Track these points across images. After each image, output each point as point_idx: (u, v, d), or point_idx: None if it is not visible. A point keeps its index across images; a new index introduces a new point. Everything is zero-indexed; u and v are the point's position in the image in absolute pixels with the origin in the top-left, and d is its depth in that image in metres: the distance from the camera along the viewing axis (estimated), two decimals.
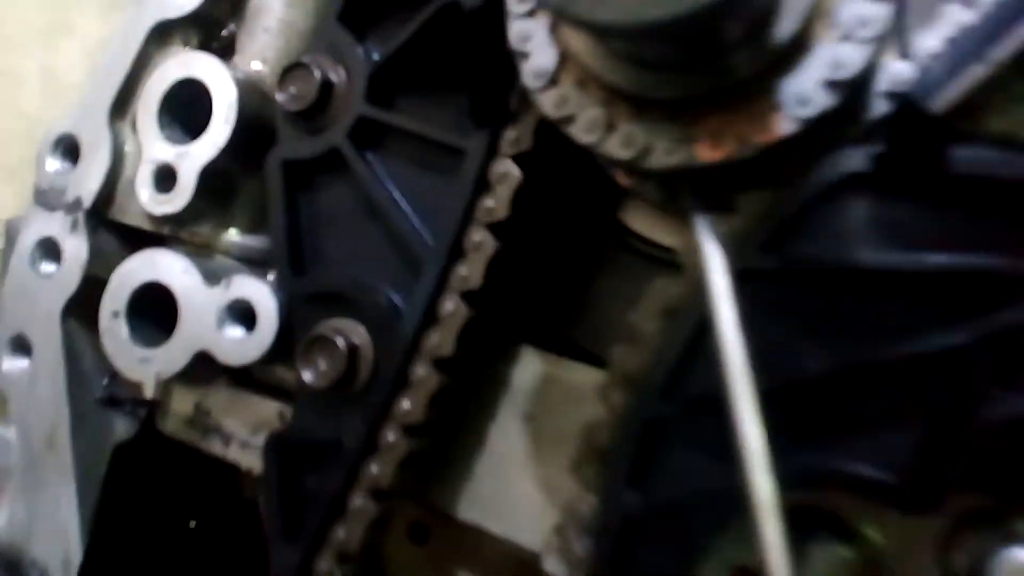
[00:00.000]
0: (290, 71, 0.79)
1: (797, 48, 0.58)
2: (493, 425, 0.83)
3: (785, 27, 0.57)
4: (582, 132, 0.63)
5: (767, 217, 0.64)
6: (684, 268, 0.68)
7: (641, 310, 0.69)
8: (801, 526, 0.68)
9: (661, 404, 0.66)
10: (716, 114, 0.60)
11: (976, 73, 0.62)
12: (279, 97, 0.79)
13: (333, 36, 0.79)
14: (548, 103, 0.64)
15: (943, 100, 0.63)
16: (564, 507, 0.70)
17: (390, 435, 0.74)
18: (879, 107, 0.67)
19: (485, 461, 0.83)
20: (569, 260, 0.86)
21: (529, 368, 0.83)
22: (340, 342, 0.74)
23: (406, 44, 0.74)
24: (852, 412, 0.62)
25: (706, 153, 0.60)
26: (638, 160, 0.62)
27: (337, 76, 0.79)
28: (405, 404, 0.74)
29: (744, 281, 0.64)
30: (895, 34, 0.68)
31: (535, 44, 0.65)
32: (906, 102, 0.64)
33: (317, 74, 0.77)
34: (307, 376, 0.75)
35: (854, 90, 0.59)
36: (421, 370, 0.74)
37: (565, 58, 0.64)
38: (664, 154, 0.61)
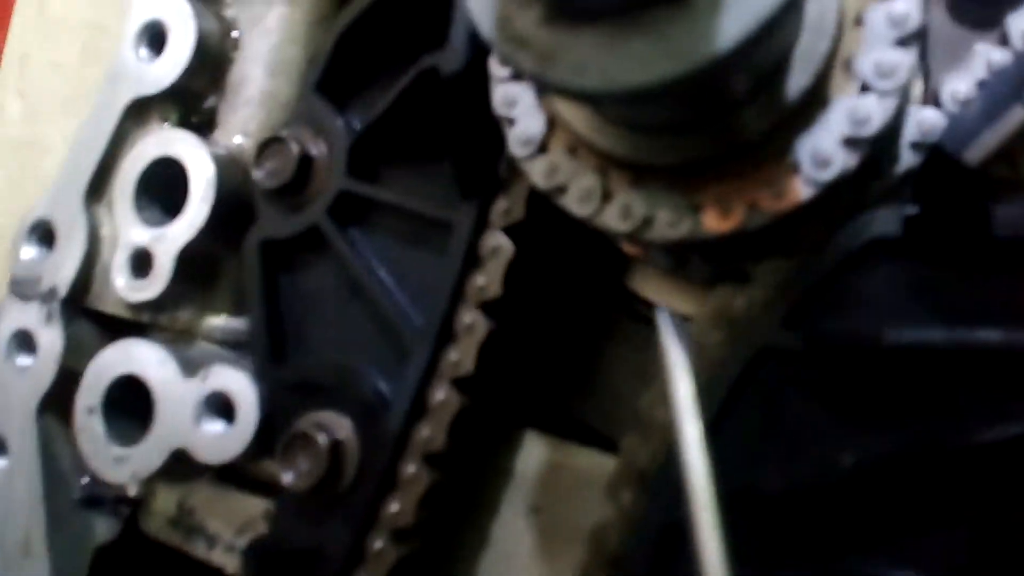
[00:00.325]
0: (266, 146, 0.74)
1: (813, 103, 0.52)
2: (497, 520, 0.76)
3: (797, 80, 0.51)
4: (575, 203, 0.57)
5: (787, 289, 0.57)
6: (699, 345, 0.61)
7: (651, 394, 0.62)
8: None
9: (679, 505, 0.59)
10: (723, 179, 0.53)
11: (1014, 118, 0.55)
12: (255, 174, 0.74)
13: (312, 107, 0.74)
14: (537, 172, 0.58)
15: (979, 150, 0.57)
16: None
17: (377, 541, 0.67)
18: (907, 160, 0.60)
19: (490, 560, 0.75)
20: (574, 332, 0.80)
21: (533, 455, 0.76)
22: (321, 439, 0.68)
23: (386, 113, 0.69)
24: (894, 511, 0.54)
25: (714, 223, 0.54)
26: (638, 233, 0.56)
27: (317, 149, 0.74)
28: (393, 506, 0.67)
29: (764, 361, 0.57)
30: (920, 78, 0.62)
31: (521, 109, 0.59)
32: (937, 153, 0.58)
33: (294, 148, 0.72)
34: (287, 478, 0.69)
35: (879, 145, 0.53)
36: (410, 467, 0.67)
37: (554, 123, 0.58)
38: (667, 226, 0.55)
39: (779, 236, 0.58)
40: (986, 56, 0.60)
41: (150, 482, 0.82)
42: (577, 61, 0.42)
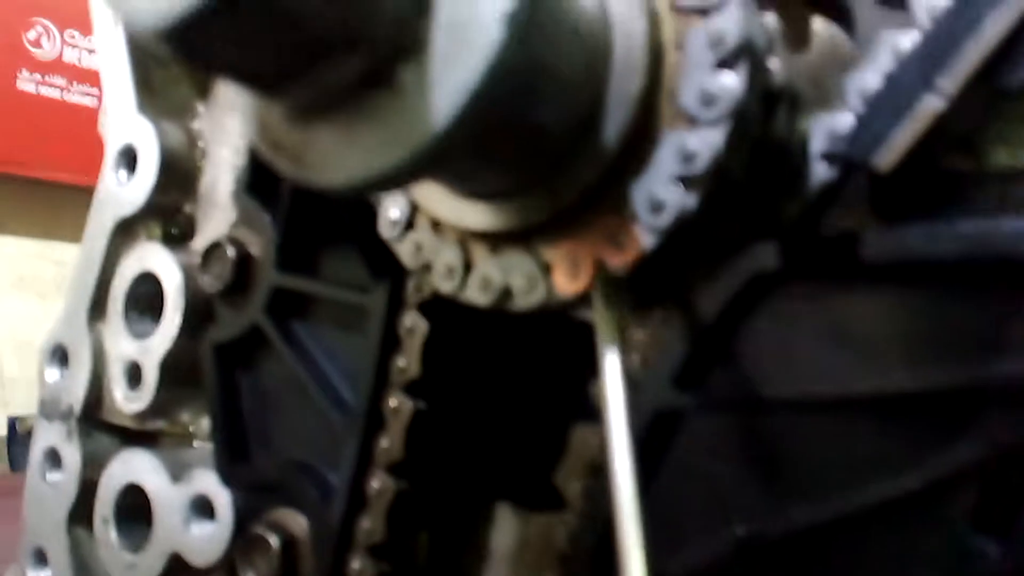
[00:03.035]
0: (209, 251, 0.76)
1: (642, 141, 0.48)
2: None
3: (613, 123, 0.47)
4: (441, 280, 0.55)
5: (675, 342, 0.52)
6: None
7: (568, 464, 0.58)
8: None
9: None
10: (571, 236, 0.50)
11: (927, 108, 0.48)
12: (201, 280, 0.76)
13: (245, 208, 0.76)
14: (405, 252, 0.57)
15: (890, 153, 0.50)
16: None
17: None
18: (820, 173, 0.54)
19: None
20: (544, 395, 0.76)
21: (506, 531, 0.72)
22: (273, 541, 0.68)
23: (292, 205, 0.69)
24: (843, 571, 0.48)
25: (565, 284, 0.50)
26: (500, 304, 0.53)
27: (257, 248, 0.75)
28: None
29: (664, 426, 0.52)
30: (835, 79, 0.56)
31: (385, 193, 0.58)
32: (848, 162, 0.51)
33: (231, 251, 0.74)
34: None
35: (726, 178, 0.47)
36: (356, 563, 0.66)
37: (415, 203, 0.56)
38: (524, 294, 0.52)
39: (668, 281, 0.53)
40: (892, 44, 0.53)
41: None
42: (320, 159, 0.40)
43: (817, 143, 0.54)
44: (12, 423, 4.13)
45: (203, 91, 0.94)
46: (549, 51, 0.42)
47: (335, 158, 0.40)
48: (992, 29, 0.45)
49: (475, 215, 0.53)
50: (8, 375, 4.37)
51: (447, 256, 0.55)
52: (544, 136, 0.46)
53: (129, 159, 0.90)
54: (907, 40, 0.51)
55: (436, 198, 0.54)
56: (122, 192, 0.89)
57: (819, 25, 0.61)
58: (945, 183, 0.50)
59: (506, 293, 0.52)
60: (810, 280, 0.49)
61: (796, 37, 0.59)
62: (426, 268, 0.56)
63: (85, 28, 4.23)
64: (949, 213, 0.46)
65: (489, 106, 0.37)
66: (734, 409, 0.50)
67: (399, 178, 0.39)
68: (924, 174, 0.50)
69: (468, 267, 0.54)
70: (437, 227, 0.55)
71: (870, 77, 0.52)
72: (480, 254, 0.54)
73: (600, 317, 0.48)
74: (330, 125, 0.40)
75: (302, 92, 0.38)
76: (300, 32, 0.35)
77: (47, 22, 4.40)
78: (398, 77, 0.38)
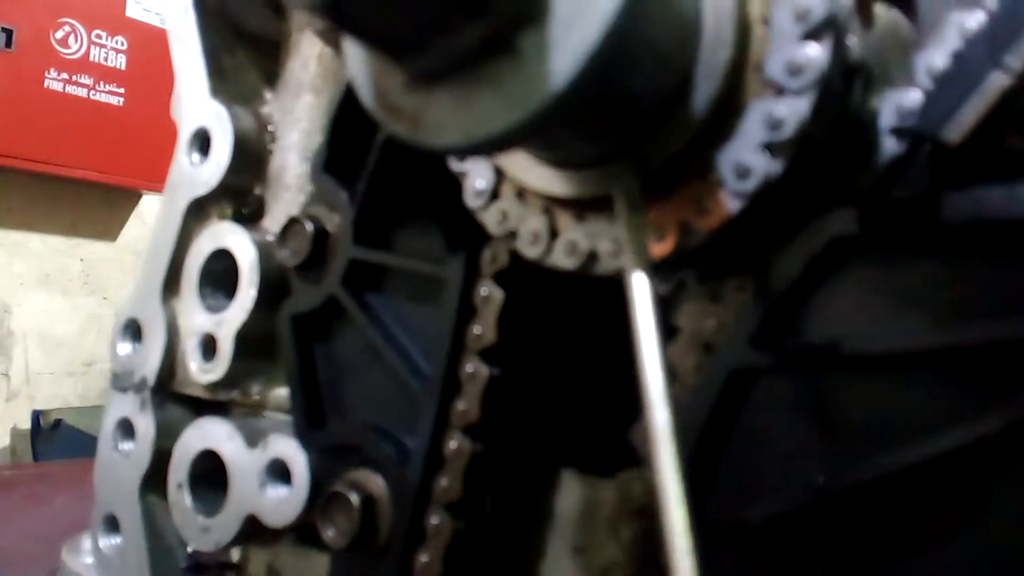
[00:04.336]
0: (288, 227, 0.80)
1: (730, 113, 0.51)
2: (543, 564, 0.76)
3: (703, 92, 0.50)
4: (526, 246, 0.58)
5: (753, 305, 0.55)
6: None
7: (642, 427, 0.61)
8: None
9: None
10: (657, 203, 0.53)
11: (995, 84, 0.51)
12: (280, 253, 0.80)
13: (322, 186, 0.79)
14: (490, 220, 0.60)
15: (959, 126, 0.52)
16: None
17: None
18: (889, 148, 0.57)
19: None
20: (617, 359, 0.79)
21: (572, 495, 0.75)
22: (354, 498, 0.71)
23: (371, 181, 0.73)
24: (891, 528, 0.50)
25: (651, 248, 0.53)
26: (586, 268, 0.56)
27: (332, 224, 0.78)
28: (423, 558, 0.69)
29: (737, 384, 0.55)
30: (901, 58, 0.58)
31: (471, 163, 0.61)
32: (919, 137, 0.54)
33: (309, 227, 0.78)
34: (328, 535, 0.72)
35: (809, 147, 0.50)
36: (435, 518, 0.69)
37: (501, 172, 0.60)
38: (610, 258, 0.55)
39: (749, 248, 0.56)
40: (959, 24, 0.56)
41: (231, 547, 0.88)
42: (438, 122, 0.43)
43: (886, 118, 0.57)
44: (36, 416, 4.19)
45: (270, 78, 0.98)
46: (649, 23, 0.45)
47: (453, 121, 0.43)
48: None
49: (561, 184, 0.56)
50: (33, 369, 4.43)
51: (533, 223, 0.58)
52: (637, 105, 0.49)
53: (202, 142, 0.93)
54: (973, 20, 0.54)
55: (522, 168, 0.58)
56: (196, 173, 0.93)
57: (880, 9, 0.64)
58: (1005, 160, 0.52)
59: (592, 257, 0.55)
60: (886, 244, 0.51)
61: (862, 19, 0.61)
62: (511, 235, 0.59)
63: (112, 28, 4.29)
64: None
65: (602, 73, 0.40)
66: (810, 367, 0.53)
67: (514, 139, 0.42)
68: (987, 152, 0.52)
69: (554, 233, 0.57)
70: (522, 196, 0.59)
71: (938, 56, 0.55)
72: (565, 221, 0.57)
73: (626, 234, 0.49)
74: (449, 90, 0.43)
75: (428, 58, 0.42)
76: (436, 1, 0.38)
77: (75, 22, 4.47)
78: (518, 43, 0.41)
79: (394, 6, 0.38)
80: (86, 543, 1.08)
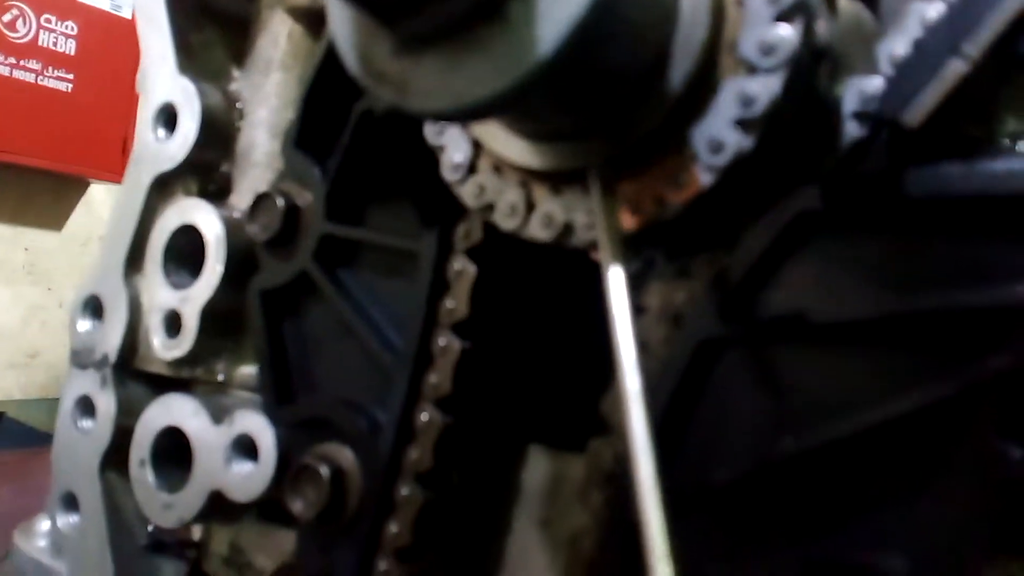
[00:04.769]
0: (257, 203, 0.80)
1: (704, 91, 0.52)
2: (510, 536, 0.77)
3: (679, 69, 0.52)
4: (503, 218, 0.59)
5: (720, 279, 0.57)
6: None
7: (612, 396, 0.63)
8: None
9: None
10: (631, 177, 0.54)
11: (953, 71, 0.53)
12: (250, 229, 0.80)
13: (293, 162, 0.79)
14: (467, 194, 0.61)
15: (918, 111, 0.54)
16: None
17: (382, 563, 0.70)
18: (852, 130, 0.59)
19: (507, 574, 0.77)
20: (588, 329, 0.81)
21: (538, 469, 0.77)
22: (323, 470, 0.72)
23: (345, 156, 0.73)
24: (846, 491, 0.53)
25: (626, 221, 0.55)
26: (561, 240, 0.57)
27: (303, 200, 0.79)
28: (393, 528, 0.70)
29: (705, 354, 0.57)
30: (864, 46, 0.61)
31: (449, 137, 0.62)
32: (879, 120, 0.56)
33: (280, 202, 0.78)
34: (296, 507, 0.73)
35: (779, 125, 0.52)
36: (404, 489, 0.70)
37: (479, 146, 0.61)
38: (586, 229, 0.56)
39: (719, 224, 0.58)
40: (920, 13, 0.58)
41: (195, 524, 0.88)
42: (425, 87, 0.44)
43: (850, 103, 0.60)
44: None
45: (238, 56, 0.97)
46: (630, 1, 0.47)
47: (440, 86, 0.44)
48: (1013, 0, 0.50)
49: (538, 157, 0.57)
50: None
51: (510, 196, 0.59)
52: (615, 79, 0.51)
53: (168, 117, 0.93)
54: (933, 11, 0.57)
55: (500, 141, 0.59)
56: (161, 149, 0.92)
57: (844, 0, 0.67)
58: (961, 145, 0.55)
59: (568, 229, 0.57)
60: (848, 220, 0.54)
61: (828, 6, 0.64)
62: (489, 208, 0.60)
63: (62, 12, 4.19)
64: None
65: (585, 43, 0.41)
66: (775, 337, 0.55)
67: (501, 105, 0.44)
68: (944, 135, 0.55)
69: (530, 206, 0.58)
70: (499, 169, 0.60)
71: (899, 44, 0.57)
72: (542, 194, 0.58)
73: (601, 223, 0.51)
74: (437, 55, 0.44)
75: (418, 22, 0.42)
76: None
77: (23, 5, 4.36)
78: (507, 10, 0.42)
79: None
80: (39, 526, 1.07)
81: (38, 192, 4.31)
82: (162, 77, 0.93)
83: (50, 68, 4.29)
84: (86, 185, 4.47)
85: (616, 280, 0.48)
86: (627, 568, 0.59)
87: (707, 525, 0.57)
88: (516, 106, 0.46)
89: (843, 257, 0.54)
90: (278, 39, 0.92)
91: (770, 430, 0.55)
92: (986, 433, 0.47)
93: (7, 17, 4.27)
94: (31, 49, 4.27)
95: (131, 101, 4.54)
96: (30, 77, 4.22)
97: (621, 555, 0.59)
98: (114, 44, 4.35)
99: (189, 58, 0.95)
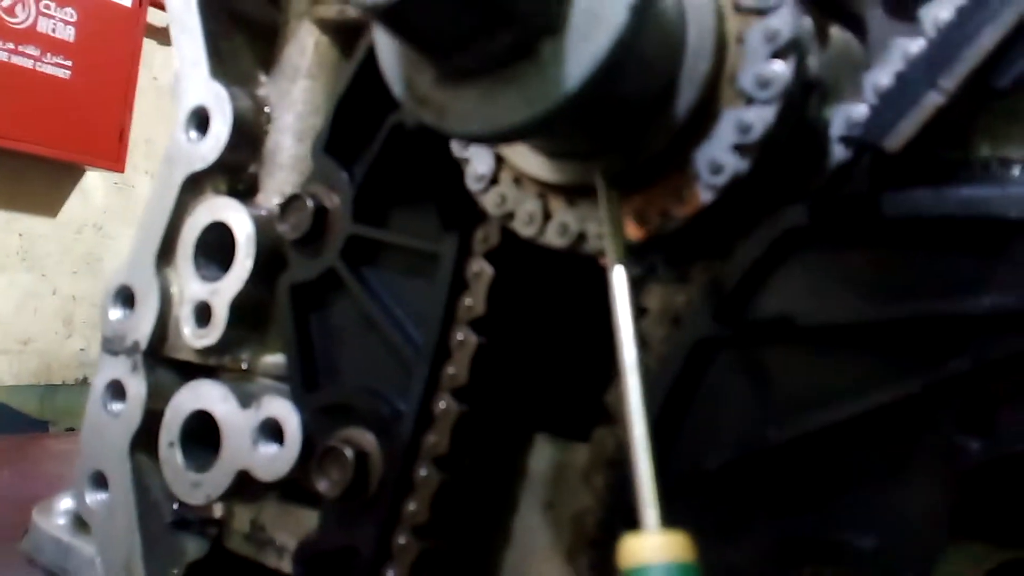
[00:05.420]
0: (288, 203, 0.86)
1: (707, 117, 0.59)
2: (517, 518, 0.83)
3: (684, 98, 0.58)
4: (522, 226, 0.66)
5: (716, 285, 0.64)
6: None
7: (617, 388, 0.69)
8: None
9: None
10: (640, 192, 0.61)
11: (930, 103, 0.60)
12: (280, 227, 0.86)
13: (323, 166, 0.85)
14: (489, 203, 0.67)
15: (898, 137, 0.61)
16: None
17: (401, 538, 0.76)
18: (838, 154, 0.66)
19: (512, 555, 0.83)
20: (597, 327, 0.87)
21: (544, 456, 0.83)
22: (348, 452, 0.78)
23: (374, 163, 0.80)
24: (824, 478, 0.59)
25: (634, 231, 0.61)
26: (575, 247, 0.64)
27: (331, 202, 0.85)
28: (411, 506, 0.76)
29: (701, 353, 0.63)
30: (852, 75, 0.67)
31: (474, 151, 0.68)
32: (863, 144, 0.63)
33: (310, 203, 0.84)
34: (322, 486, 0.79)
35: (772, 150, 0.59)
36: (423, 471, 0.76)
37: (501, 160, 0.67)
38: (596, 238, 0.63)
39: (717, 237, 0.65)
40: (903, 48, 0.64)
41: (222, 502, 0.94)
42: (463, 113, 0.51)
43: (836, 128, 0.67)
44: None
45: (265, 62, 1.03)
46: (645, 39, 0.53)
47: (478, 112, 0.50)
48: (987, 38, 0.57)
49: (556, 172, 0.63)
50: None
51: (528, 206, 0.65)
52: (628, 108, 0.57)
53: (201, 119, 0.98)
54: (915, 46, 0.63)
55: (520, 156, 0.65)
56: (193, 149, 0.98)
57: (836, 31, 0.73)
58: (938, 168, 0.62)
59: (581, 237, 0.63)
60: (832, 235, 0.60)
61: (819, 38, 0.70)
62: (509, 216, 0.66)
63: None
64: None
65: (607, 78, 0.48)
66: (764, 338, 0.62)
67: (531, 131, 0.50)
68: (922, 161, 0.61)
69: (547, 216, 0.65)
70: (519, 181, 0.66)
71: (883, 75, 0.63)
72: (557, 205, 0.64)
73: (606, 221, 0.57)
74: (475, 87, 0.50)
75: (464, 58, 0.49)
76: (479, 11, 0.45)
77: None
78: (539, 50, 0.48)
79: (448, 15, 0.45)
80: (58, 505, 1.13)
81: (33, 179, 4.33)
82: (195, 81, 0.99)
83: (48, 54, 4.32)
84: (81, 172, 4.49)
85: (619, 278, 0.54)
86: None
87: (700, 506, 0.63)
88: (543, 132, 0.53)
89: (826, 268, 0.61)
90: (305, 48, 0.98)
91: (757, 421, 0.61)
92: (948, 428, 0.54)
93: (6, 2, 4.29)
94: (30, 35, 4.29)
95: (129, 89, 4.58)
96: (28, 63, 4.24)
97: (622, 533, 0.66)
98: (113, 32, 4.39)
99: (220, 64, 1.00)
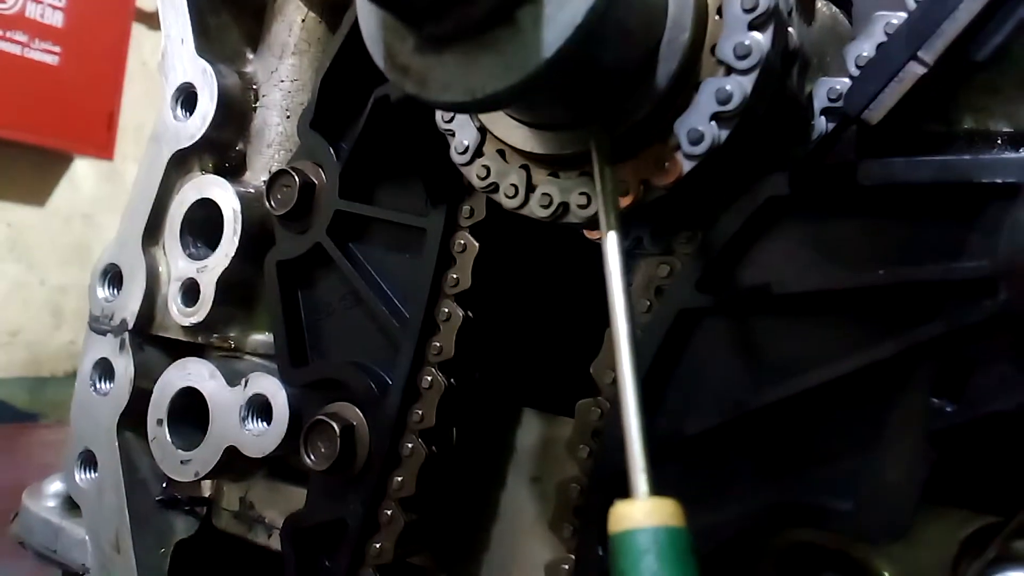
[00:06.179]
0: (274, 179, 0.86)
1: (687, 87, 0.59)
2: (503, 491, 0.84)
3: (665, 68, 0.58)
4: (505, 198, 0.66)
5: (699, 255, 0.64)
6: None
7: (601, 359, 0.70)
8: (808, 566, 0.66)
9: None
10: (623, 163, 0.61)
11: (910, 75, 0.60)
12: (267, 203, 0.86)
13: (309, 142, 0.85)
14: (473, 175, 0.68)
15: (879, 109, 0.61)
16: (546, 568, 0.70)
17: (387, 511, 0.77)
18: (820, 125, 0.67)
19: (498, 528, 0.84)
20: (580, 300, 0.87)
21: (530, 430, 0.84)
22: (335, 425, 0.78)
23: (360, 139, 0.80)
24: (803, 442, 0.60)
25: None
26: (557, 218, 0.64)
27: (317, 178, 0.85)
28: (398, 479, 0.77)
29: (683, 322, 0.64)
30: (838, 49, 0.68)
31: (458, 123, 0.68)
32: (845, 116, 0.63)
33: (296, 179, 0.84)
34: (309, 460, 0.80)
35: (752, 119, 0.59)
36: (409, 444, 0.77)
37: (485, 132, 0.67)
38: (579, 208, 0.63)
39: (701, 206, 0.65)
40: (884, 20, 0.65)
41: (211, 479, 0.95)
42: (444, 81, 0.51)
43: (820, 100, 0.67)
44: None
45: (252, 39, 1.03)
46: (624, 7, 0.54)
47: (457, 81, 0.50)
48: (965, 11, 0.57)
49: (539, 143, 0.64)
50: None
51: (512, 177, 0.65)
52: (608, 76, 0.58)
53: (188, 97, 0.98)
54: (896, 19, 0.64)
55: (504, 129, 0.65)
56: (180, 127, 0.98)
57: (822, 5, 0.74)
58: (920, 140, 0.62)
59: (564, 208, 0.63)
60: (812, 204, 0.61)
61: (804, 13, 0.71)
62: (493, 188, 0.66)
63: None
64: None
65: (584, 45, 0.48)
66: (744, 306, 0.62)
67: (510, 98, 0.50)
68: (906, 134, 0.62)
69: (531, 187, 0.65)
70: (503, 154, 0.66)
71: (866, 47, 0.64)
72: (541, 176, 0.65)
73: (599, 191, 0.57)
74: (455, 54, 0.50)
75: (439, 25, 0.49)
76: None
77: None
78: (517, 16, 0.48)
79: None
80: (48, 487, 1.13)
81: (21, 167, 4.30)
82: (182, 59, 0.99)
83: (37, 40, 4.29)
84: (70, 160, 4.47)
85: (612, 245, 0.55)
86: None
87: (681, 471, 0.64)
88: (524, 99, 0.53)
89: (806, 237, 0.61)
90: (292, 25, 0.98)
91: (738, 388, 0.62)
92: (922, 392, 0.55)
93: None
94: (18, 21, 4.26)
95: (118, 76, 4.56)
96: (16, 49, 4.22)
97: (605, 499, 0.67)
98: (102, 18, 4.36)
99: (207, 41, 1.00)
